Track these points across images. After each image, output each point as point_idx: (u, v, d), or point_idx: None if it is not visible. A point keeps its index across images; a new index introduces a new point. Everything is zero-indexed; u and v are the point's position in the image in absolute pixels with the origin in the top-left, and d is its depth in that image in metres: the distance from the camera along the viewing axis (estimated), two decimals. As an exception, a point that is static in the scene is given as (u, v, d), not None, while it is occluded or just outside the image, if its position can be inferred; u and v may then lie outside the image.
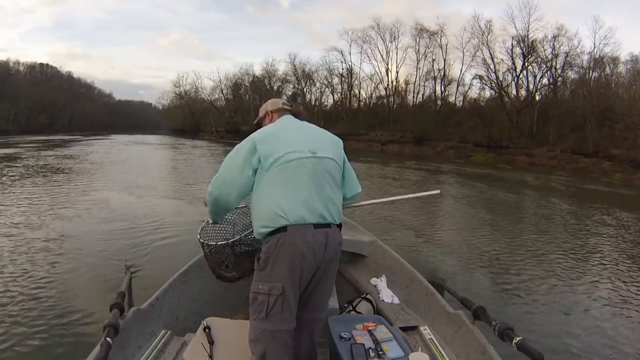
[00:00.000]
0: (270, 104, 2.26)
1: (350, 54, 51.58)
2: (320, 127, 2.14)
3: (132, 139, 48.76)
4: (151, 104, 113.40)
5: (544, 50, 37.53)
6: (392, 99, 48.82)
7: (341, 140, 2.16)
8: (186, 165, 19.71)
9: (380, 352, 2.14)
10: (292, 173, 1.86)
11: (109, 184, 12.30)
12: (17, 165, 16.76)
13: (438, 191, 3.65)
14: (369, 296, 3.04)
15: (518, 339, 1.95)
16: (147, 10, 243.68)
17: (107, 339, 1.93)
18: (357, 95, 52.67)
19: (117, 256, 5.35)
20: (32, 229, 6.66)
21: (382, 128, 44.51)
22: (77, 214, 7.91)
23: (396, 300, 3.02)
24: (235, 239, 2.36)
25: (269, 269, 1.82)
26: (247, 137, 1.96)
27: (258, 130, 2.00)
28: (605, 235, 8.16)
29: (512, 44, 38.69)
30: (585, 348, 3.59)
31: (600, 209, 11.39)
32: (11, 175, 13.25)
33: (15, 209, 8.16)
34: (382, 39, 48.68)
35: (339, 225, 1.96)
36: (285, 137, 1.96)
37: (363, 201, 2.94)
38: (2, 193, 10.03)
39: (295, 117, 2.18)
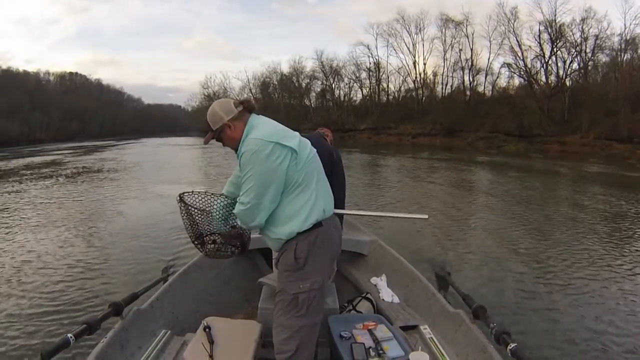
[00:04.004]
0: (223, 112, 1.92)
1: (376, 47, 51.96)
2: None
3: (163, 141, 50.28)
4: (180, 106, 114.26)
5: (573, 35, 36.97)
6: (421, 92, 48.99)
7: None
8: (216, 163, 21.45)
9: (381, 351, 2.16)
10: (312, 171, 1.90)
11: (148, 180, 14.12)
12: (64, 168, 19.07)
13: (426, 216, 3.83)
14: (369, 295, 3.05)
15: (513, 345, 1.94)
16: (171, 14, 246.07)
17: (69, 335, 1.94)
18: (386, 89, 53.02)
19: (160, 252, 5.72)
20: (88, 220, 7.98)
21: (412, 121, 44.73)
22: (125, 208, 9.14)
23: (396, 300, 3.03)
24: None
25: (308, 266, 1.83)
26: (262, 143, 1.78)
27: (271, 134, 1.82)
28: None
29: (539, 29, 38.45)
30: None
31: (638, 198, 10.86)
32: (63, 177, 15.43)
33: (70, 203, 9.82)
34: (408, 32, 49.03)
35: None
36: (293, 137, 1.91)
37: (349, 210, 2.84)
38: (62, 189, 12.14)
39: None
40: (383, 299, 3.05)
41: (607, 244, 6.45)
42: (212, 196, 2.23)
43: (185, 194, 2.20)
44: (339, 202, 2.54)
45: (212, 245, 2.17)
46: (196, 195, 2.22)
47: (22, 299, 4.26)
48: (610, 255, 5.88)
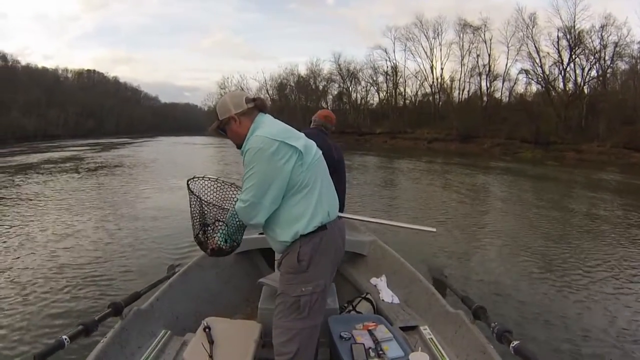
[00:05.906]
0: (232, 105, 1.89)
1: (394, 51, 52.18)
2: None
3: (179, 140, 51.10)
4: (197, 105, 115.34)
5: (592, 41, 36.55)
6: (438, 96, 48.84)
7: None
8: (227, 161, 22.16)
9: (381, 352, 2.16)
10: (318, 172, 1.86)
11: (165, 175, 14.86)
12: (85, 162, 20.00)
13: (434, 229, 3.76)
14: (369, 296, 3.04)
15: (516, 342, 1.94)
16: (188, 13, 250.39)
17: (64, 337, 1.91)
18: (403, 93, 52.81)
19: (167, 251, 5.72)
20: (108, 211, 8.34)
21: (428, 125, 44.62)
22: (141, 201, 9.48)
23: (396, 300, 3.02)
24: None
25: (311, 269, 1.80)
26: (267, 140, 1.75)
27: (277, 133, 1.79)
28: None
29: (557, 36, 37.99)
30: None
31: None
32: (84, 170, 16.33)
33: (89, 196, 10.35)
34: (426, 36, 48.89)
35: None
36: (299, 137, 1.86)
37: (351, 214, 2.86)
38: (82, 182, 12.87)
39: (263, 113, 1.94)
40: (383, 300, 3.04)
41: (618, 252, 6.44)
42: (224, 184, 2.17)
43: (196, 179, 2.12)
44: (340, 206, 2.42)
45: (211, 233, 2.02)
46: (207, 182, 2.16)
47: (26, 292, 4.32)
48: (618, 262, 5.90)
